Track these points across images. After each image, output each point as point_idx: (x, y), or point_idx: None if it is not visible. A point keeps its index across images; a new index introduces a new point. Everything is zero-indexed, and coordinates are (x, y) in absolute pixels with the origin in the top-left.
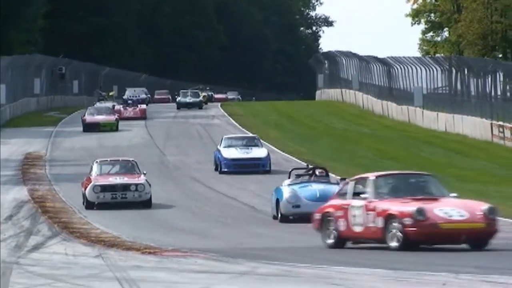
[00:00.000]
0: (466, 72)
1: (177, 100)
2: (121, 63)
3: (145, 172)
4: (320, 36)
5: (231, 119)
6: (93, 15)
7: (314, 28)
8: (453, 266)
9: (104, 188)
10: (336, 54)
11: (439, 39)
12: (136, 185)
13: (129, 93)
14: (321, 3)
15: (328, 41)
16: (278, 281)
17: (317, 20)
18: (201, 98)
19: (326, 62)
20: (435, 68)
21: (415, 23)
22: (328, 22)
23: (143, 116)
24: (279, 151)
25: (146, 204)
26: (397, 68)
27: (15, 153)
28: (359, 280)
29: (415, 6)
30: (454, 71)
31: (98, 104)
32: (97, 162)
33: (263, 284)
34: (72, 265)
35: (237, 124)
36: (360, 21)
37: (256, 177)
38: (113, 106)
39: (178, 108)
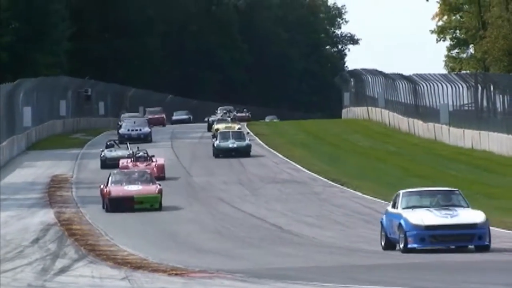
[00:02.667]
0: (492, 88)
1: (215, 144)
2: (146, 84)
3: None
4: (345, 55)
5: (257, 139)
6: (118, 36)
7: (339, 46)
8: (481, 283)
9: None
10: (362, 72)
11: (464, 55)
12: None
13: (127, 125)
14: (346, 22)
15: (354, 59)
16: None
17: (343, 38)
18: (248, 141)
19: (352, 80)
20: (461, 85)
21: (440, 40)
22: (353, 40)
23: (161, 175)
24: (305, 170)
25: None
26: (423, 85)
27: (41, 176)
28: None
29: (440, 23)
30: (480, 87)
31: (107, 153)
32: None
33: None
34: None
35: (264, 144)
36: (386, 39)
37: (279, 195)
38: (127, 155)
39: (216, 155)
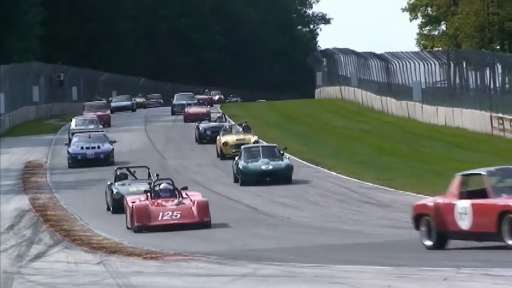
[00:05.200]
0: (464, 65)
1: (240, 165)
2: (119, 68)
3: None
4: (317, 34)
5: (231, 121)
6: (89, 20)
7: (311, 26)
8: (454, 261)
9: None
10: (334, 52)
11: (436, 33)
12: None
13: (79, 141)
14: (317, 1)
15: (326, 38)
16: (279, 282)
17: (314, 18)
18: (287, 160)
19: (324, 60)
20: (433, 62)
21: (413, 18)
22: (325, 20)
23: (205, 220)
24: None
25: None
26: (395, 64)
27: (15, 162)
28: (360, 278)
29: (412, 0)
30: (452, 64)
31: (121, 188)
32: None
33: (264, 285)
34: (73, 273)
35: (237, 126)
36: (357, 18)
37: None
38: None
39: (242, 182)
